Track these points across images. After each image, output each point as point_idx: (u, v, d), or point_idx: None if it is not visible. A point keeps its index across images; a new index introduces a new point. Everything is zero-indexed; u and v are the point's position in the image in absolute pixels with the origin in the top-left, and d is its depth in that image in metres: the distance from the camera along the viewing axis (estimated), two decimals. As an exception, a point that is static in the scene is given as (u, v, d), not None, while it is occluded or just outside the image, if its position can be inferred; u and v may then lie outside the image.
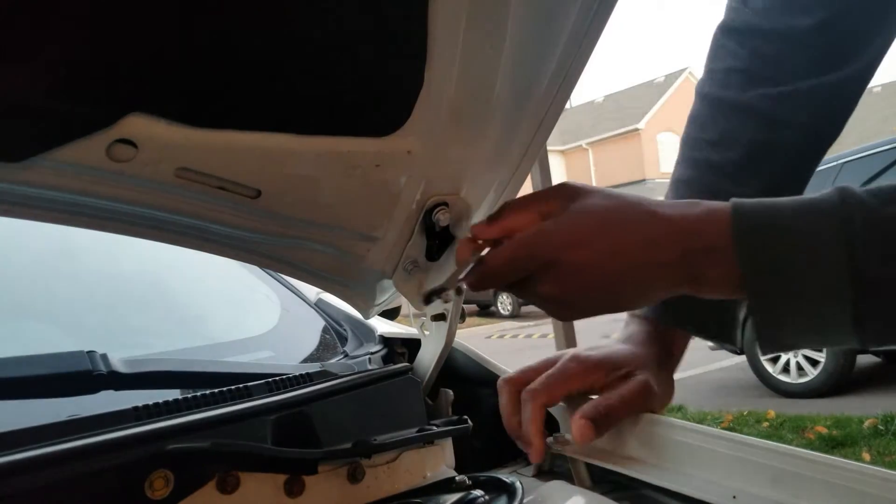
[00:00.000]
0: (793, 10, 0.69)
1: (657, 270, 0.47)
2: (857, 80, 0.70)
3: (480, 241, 0.53)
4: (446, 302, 0.64)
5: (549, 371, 0.60)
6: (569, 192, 0.50)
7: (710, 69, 0.74)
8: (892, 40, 0.69)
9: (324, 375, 0.61)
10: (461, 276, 0.55)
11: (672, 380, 0.65)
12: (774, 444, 0.51)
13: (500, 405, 0.61)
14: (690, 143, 0.73)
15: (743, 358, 4.52)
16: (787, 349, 0.48)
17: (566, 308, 0.52)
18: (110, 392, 0.57)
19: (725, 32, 0.74)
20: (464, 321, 0.70)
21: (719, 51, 0.74)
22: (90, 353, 0.57)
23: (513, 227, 0.51)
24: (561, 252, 0.47)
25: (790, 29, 0.69)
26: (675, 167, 0.74)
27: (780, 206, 0.45)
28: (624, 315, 0.68)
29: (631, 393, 0.58)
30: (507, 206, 0.53)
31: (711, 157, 0.70)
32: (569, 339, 2.27)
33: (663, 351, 0.65)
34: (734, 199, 0.46)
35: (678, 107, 24.65)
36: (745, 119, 0.70)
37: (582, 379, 0.60)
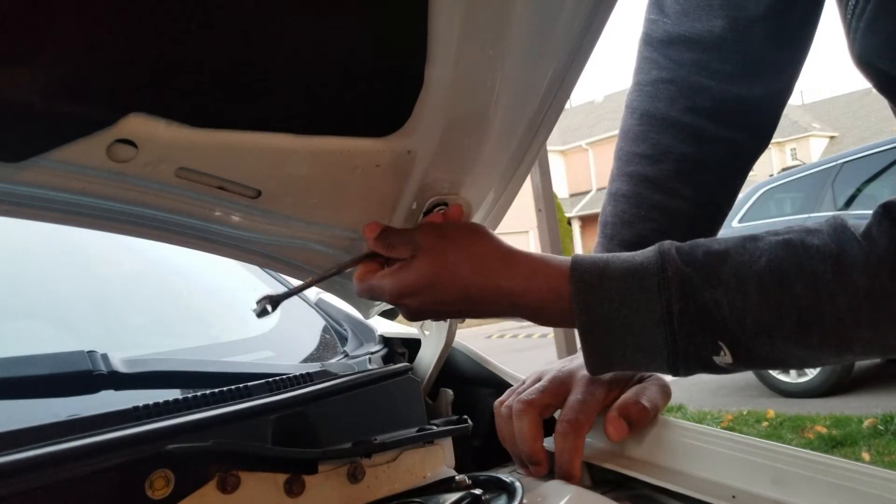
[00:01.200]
0: (706, 11, 0.71)
1: (486, 314, 0.56)
2: (778, 95, 0.74)
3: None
4: None
5: (579, 398, 0.59)
6: (417, 242, 0.56)
7: (637, 82, 0.77)
8: (804, 58, 0.74)
9: (324, 375, 0.61)
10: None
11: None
12: (774, 444, 0.51)
13: (520, 429, 0.59)
14: (624, 158, 0.75)
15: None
16: (610, 372, 0.57)
17: (425, 318, 0.61)
18: (111, 392, 0.57)
19: (647, 44, 0.76)
20: (464, 321, 0.70)
21: (644, 63, 0.76)
22: (90, 352, 0.57)
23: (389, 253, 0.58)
24: (396, 298, 0.56)
25: (707, 33, 0.71)
26: (610, 181, 0.77)
27: (611, 269, 0.52)
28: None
29: (655, 394, 0.60)
30: (384, 233, 0.59)
31: (645, 171, 0.73)
32: (568, 339, 2.27)
33: None
34: (575, 256, 0.54)
35: (678, 107, 24.57)
36: (674, 133, 0.73)
37: (605, 400, 0.60)
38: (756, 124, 0.75)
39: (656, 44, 0.75)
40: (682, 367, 0.51)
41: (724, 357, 0.49)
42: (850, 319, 0.46)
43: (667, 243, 0.52)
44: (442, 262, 0.55)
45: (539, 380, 0.63)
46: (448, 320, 0.68)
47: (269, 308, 0.59)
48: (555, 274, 0.53)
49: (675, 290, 0.49)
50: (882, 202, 0.47)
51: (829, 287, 0.47)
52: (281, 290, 0.60)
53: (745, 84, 0.72)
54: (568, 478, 0.57)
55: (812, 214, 4.24)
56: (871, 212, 0.49)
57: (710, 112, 0.72)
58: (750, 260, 0.49)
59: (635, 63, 0.78)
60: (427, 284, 0.55)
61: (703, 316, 0.49)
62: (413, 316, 0.59)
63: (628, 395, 0.59)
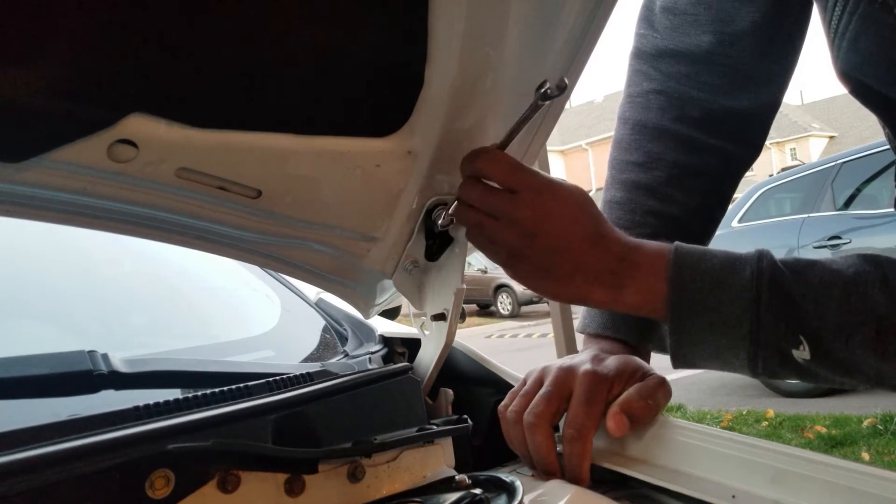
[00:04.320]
0: (694, 27, 0.74)
1: (593, 261, 0.56)
2: (766, 106, 0.76)
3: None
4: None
5: (582, 399, 0.59)
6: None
7: (629, 94, 0.79)
8: (792, 71, 0.76)
9: (324, 375, 0.61)
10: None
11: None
12: (774, 443, 0.52)
13: (536, 443, 0.59)
14: (618, 166, 0.77)
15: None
16: (693, 368, 0.58)
17: (512, 249, 0.57)
18: (111, 392, 0.57)
19: (638, 58, 0.79)
20: (464, 321, 0.70)
21: (635, 76, 0.79)
22: (91, 352, 0.57)
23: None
24: (548, 189, 0.55)
25: (696, 47, 0.74)
26: (605, 189, 0.78)
27: (709, 254, 0.55)
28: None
29: (657, 391, 0.60)
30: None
31: (638, 178, 0.75)
32: (568, 339, 2.27)
33: (643, 359, 0.66)
34: (676, 243, 0.56)
35: (678, 106, 24.63)
36: (665, 142, 0.75)
37: (608, 397, 0.60)
38: (745, 134, 0.77)
39: (646, 57, 0.78)
40: (762, 359, 0.53)
41: (803, 352, 0.51)
42: None
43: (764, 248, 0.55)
44: (591, 202, 0.58)
45: (541, 381, 0.63)
46: (448, 320, 0.68)
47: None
48: (658, 247, 0.57)
49: (766, 281, 0.52)
50: None
51: None
52: (280, 290, 0.60)
53: (732, 96, 0.74)
54: (577, 481, 0.57)
55: (811, 214, 4.24)
56: (870, 212, 0.50)
57: (699, 122, 0.75)
58: (838, 269, 0.52)
59: (626, 76, 0.80)
60: (580, 204, 0.56)
61: (789, 309, 0.51)
62: (530, 226, 0.55)
63: (631, 391, 0.59)
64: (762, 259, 0.53)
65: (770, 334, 0.52)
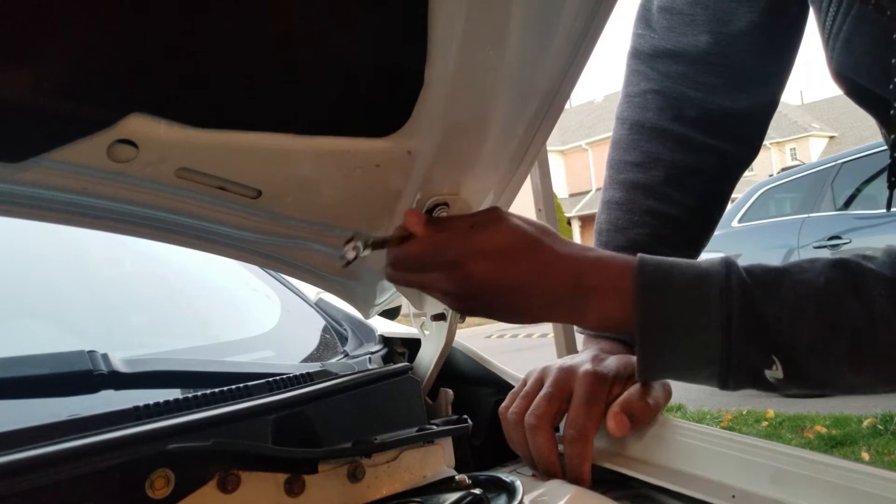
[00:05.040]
0: (691, 27, 0.74)
1: (542, 297, 0.55)
2: (763, 106, 0.76)
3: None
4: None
5: (583, 399, 0.59)
6: (493, 215, 0.56)
7: (627, 94, 0.79)
8: (789, 71, 0.76)
9: (324, 375, 0.61)
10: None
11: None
12: (774, 443, 0.52)
13: (538, 444, 0.59)
14: (616, 167, 0.77)
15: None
16: (660, 380, 0.58)
17: (462, 305, 0.58)
18: (111, 392, 0.57)
19: (636, 58, 0.79)
20: (464, 321, 0.70)
21: (632, 76, 0.79)
22: (91, 352, 0.57)
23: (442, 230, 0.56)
24: (464, 258, 0.53)
25: (693, 47, 0.74)
26: (603, 190, 0.79)
27: (675, 272, 0.53)
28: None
29: (657, 391, 0.60)
30: (445, 218, 0.60)
31: (637, 178, 0.75)
32: (568, 339, 2.27)
33: None
34: (640, 255, 0.54)
35: (678, 107, 24.65)
36: (663, 141, 0.75)
37: (608, 397, 0.60)
38: (742, 134, 0.77)
39: (644, 57, 0.78)
40: (733, 379, 0.52)
41: (776, 371, 0.50)
42: None
43: (730, 257, 0.53)
44: (522, 231, 0.55)
45: (541, 381, 0.63)
46: (448, 320, 0.68)
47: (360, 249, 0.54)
48: (622, 263, 0.55)
49: (736, 300, 0.50)
50: None
51: (884, 311, 0.48)
52: (280, 289, 0.60)
53: (729, 96, 0.75)
54: (578, 481, 0.57)
55: (811, 214, 4.24)
56: (870, 212, 0.50)
57: (696, 122, 0.75)
58: (809, 279, 0.51)
59: (624, 76, 0.81)
60: (506, 247, 0.54)
61: (761, 328, 0.50)
62: (465, 292, 0.54)
63: (631, 391, 0.59)
64: (730, 275, 0.51)
65: (741, 356, 0.51)
